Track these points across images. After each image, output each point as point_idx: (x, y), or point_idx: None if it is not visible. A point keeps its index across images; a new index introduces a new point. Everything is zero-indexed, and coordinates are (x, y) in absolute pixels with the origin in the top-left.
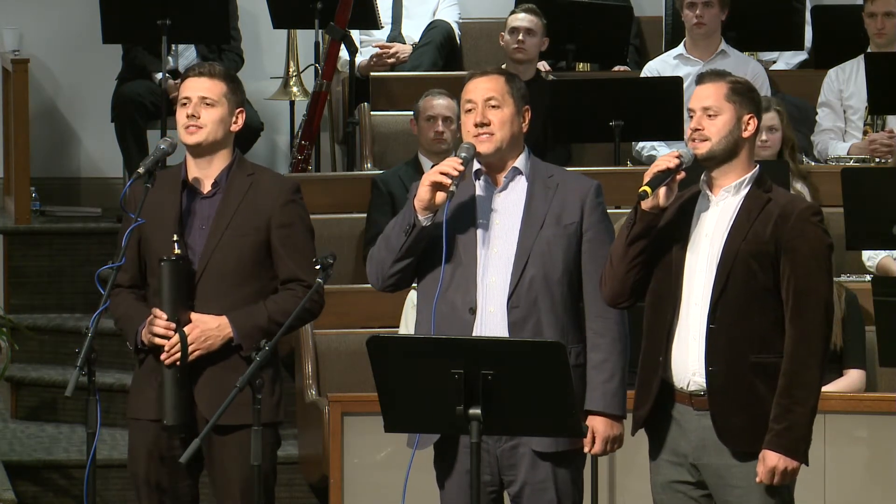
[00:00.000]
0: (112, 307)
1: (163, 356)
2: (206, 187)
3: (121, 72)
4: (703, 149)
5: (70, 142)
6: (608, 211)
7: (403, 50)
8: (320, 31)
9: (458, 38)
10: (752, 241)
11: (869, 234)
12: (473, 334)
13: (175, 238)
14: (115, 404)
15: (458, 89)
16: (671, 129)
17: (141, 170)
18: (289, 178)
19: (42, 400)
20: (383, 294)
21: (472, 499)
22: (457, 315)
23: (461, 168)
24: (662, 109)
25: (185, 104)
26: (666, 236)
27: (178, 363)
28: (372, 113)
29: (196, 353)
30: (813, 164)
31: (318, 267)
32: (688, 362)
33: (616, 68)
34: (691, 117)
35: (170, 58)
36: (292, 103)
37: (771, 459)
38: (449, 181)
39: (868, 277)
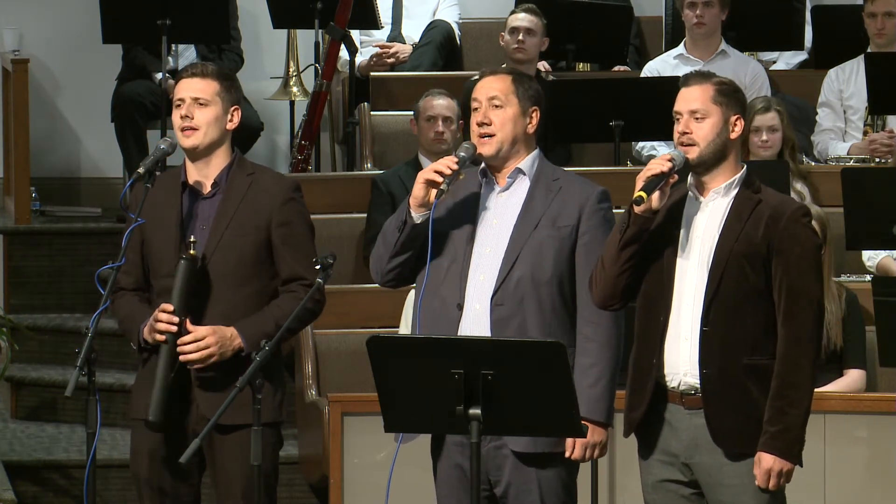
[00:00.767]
0: (115, 309)
1: (182, 358)
2: (206, 188)
3: (121, 72)
4: (692, 154)
5: (70, 142)
6: (612, 210)
7: (403, 50)
8: (320, 31)
9: (458, 38)
10: (743, 242)
11: (869, 234)
12: (459, 331)
13: (193, 239)
14: (115, 404)
15: (458, 89)
16: (671, 130)
17: (141, 170)
18: (289, 177)
19: (42, 400)
20: (383, 294)
21: (473, 498)
22: (444, 311)
23: (455, 167)
24: (662, 109)
25: (179, 105)
26: (656, 239)
27: (176, 362)
28: (372, 113)
29: (210, 360)
30: (813, 164)
31: (318, 267)
32: (679, 363)
33: (616, 68)
34: (677, 120)
35: (170, 58)
36: (292, 103)
37: (766, 461)
38: (441, 179)
39: (868, 277)
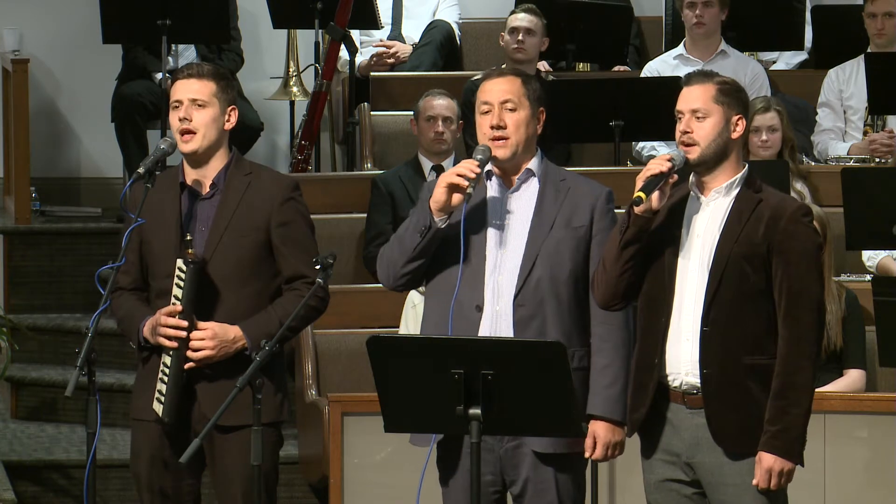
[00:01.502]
0: (114, 308)
1: (193, 359)
2: (205, 188)
3: (121, 72)
4: (693, 153)
5: (70, 142)
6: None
7: (403, 50)
8: (320, 31)
9: (458, 38)
10: (743, 243)
11: (869, 234)
12: (480, 332)
13: (188, 237)
14: (115, 404)
15: (458, 89)
16: (671, 130)
17: (141, 170)
18: (287, 176)
19: (42, 400)
20: (383, 294)
21: (473, 498)
22: (463, 313)
23: (478, 170)
24: (662, 109)
25: (176, 107)
26: (657, 239)
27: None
28: (372, 113)
29: (214, 359)
30: (813, 164)
31: (318, 267)
32: (681, 363)
33: (616, 68)
34: (679, 119)
35: (169, 58)
36: (292, 103)
37: (767, 461)
38: (466, 183)
39: (868, 277)
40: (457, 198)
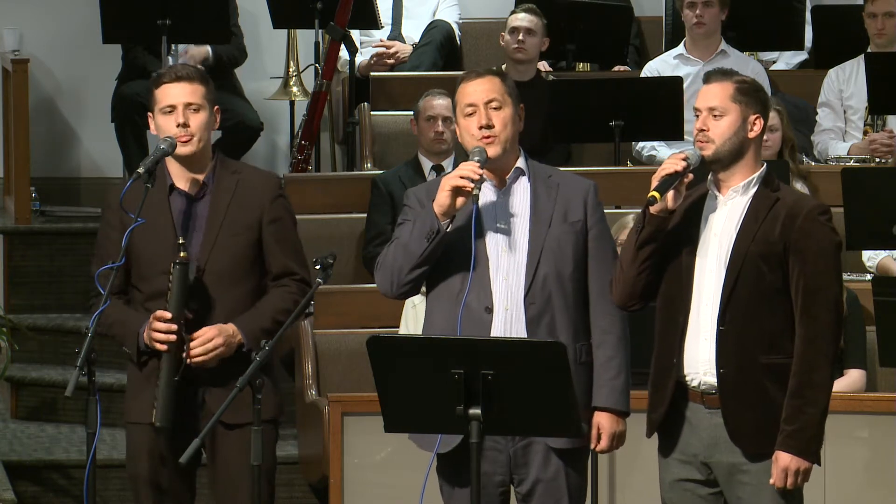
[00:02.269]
0: (101, 313)
1: (194, 358)
2: (194, 189)
3: (121, 72)
4: (708, 150)
5: (70, 142)
6: (607, 210)
7: (403, 50)
8: (320, 31)
9: (458, 39)
10: (760, 242)
11: (869, 234)
12: (492, 333)
13: (181, 241)
14: (115, 404)
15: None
16: (671, 129)
17: (141, 170)
18: (273, 174)
19: (42, 400)
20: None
21: (473, 498)
22: (472, 315)
23: (480, 171)
24: (662, 109)
25: (169, 112)
26: (675, 238)
27: (181, 366)
28: (372, 113)
29: (225, 354)
30: (813, 164)
31: (318, 267)
32: (699, 362)
33: (616, 68)
34: (697, 117)
35: (169, 58)
36: (292, 103)
37: (783, 460)
38: (471, 185)
39: (868, 277)
40: (460, 201)
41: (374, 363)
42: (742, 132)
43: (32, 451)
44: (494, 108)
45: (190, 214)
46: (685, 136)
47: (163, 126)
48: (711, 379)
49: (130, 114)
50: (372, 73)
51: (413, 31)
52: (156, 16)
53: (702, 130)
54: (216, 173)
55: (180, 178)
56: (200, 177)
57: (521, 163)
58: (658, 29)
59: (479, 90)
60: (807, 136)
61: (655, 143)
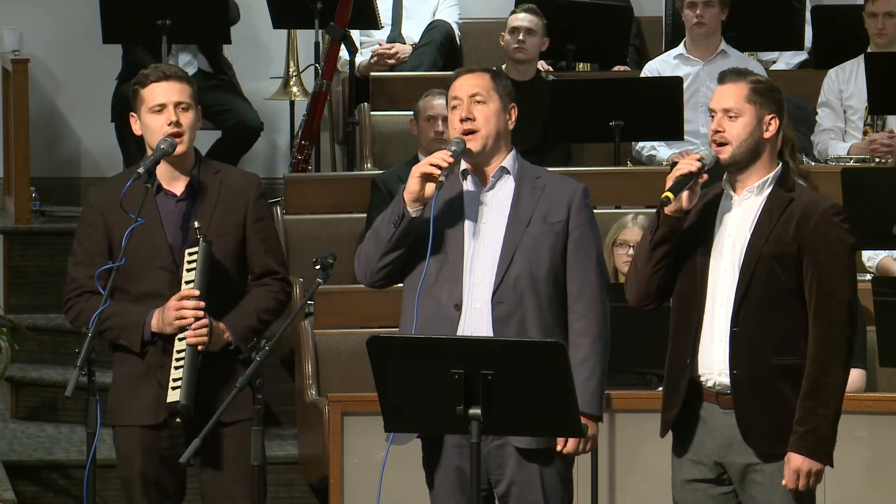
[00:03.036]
0: (88, 310)
1: (189, 337)
2: (179, 189)
3: (121, 72)
4: (725, 153)
5: (70, 142)
6: (607, 210)
7: (404, 50)
8: (320, 31)
9: (458, 39)
10: (774, 242)
11: (869, 234)
12: (458, 331)
13: (197, 225)
14: None
15: None
16: (671, 129)
17: (141, 170)
18: (253, 174)
19: (42, 400)
20: (383, 294)
21: (473, 499)
22: (442, 311)
23: (451, 160)
24: (662, 109)
25: (159, 111)
26: (690, 238)
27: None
28: (372, 113)
29: (209, 348)
30: (813, 164)
31: (318, 267)
32: (713, 362)
33: (616, 68)
34: (712, 117)
35: (170, 58)
36: (292, 103)
37: (795, 462)
38: (438, 172)
39: (868, 277)
40: (430, 188)
41: (374, 363)
42: (757, 133)
43: (32, 451)
44: (477, 102)
45: (177, 214)
46: (685, 137)
47: (151, 126)
48: (725, 379)
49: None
50: (372, 73)
51: (413, 31)
52: (156, 16)
53: (717, 132)
54: (200, 173)
55: (167, 179)
56: (185, 177)
57: (507, 162)
58: (658, 29)
59: (464, 84)
60: (807, 136)
61: (655, 143)
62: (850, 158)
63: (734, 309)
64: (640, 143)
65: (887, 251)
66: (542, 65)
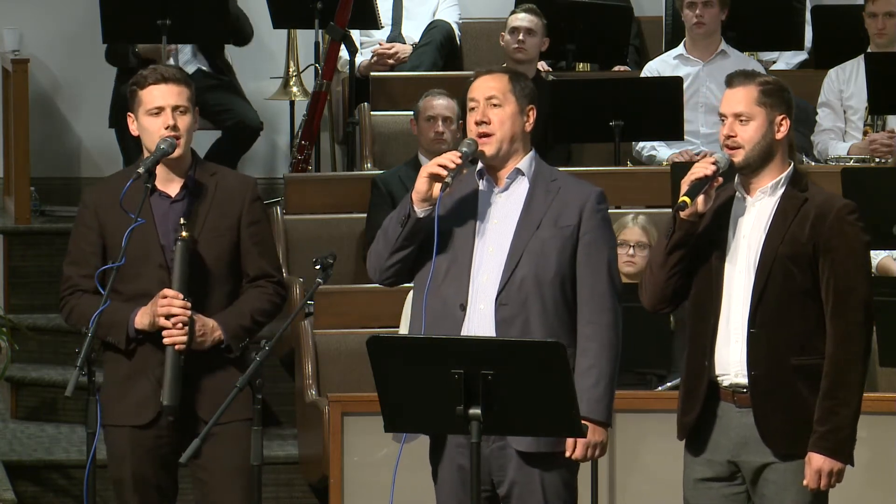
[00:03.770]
0: (80, 307)
1: (167, 338)
2: (174, 191)
3: (119, 72)
4: (738, 157)
5: (70, 142)
6: (608, 211)
7: (404, 50)
8: (320, 31)
9: (458, 39)
10: (789, 243)
11: (869, 234)
12: (462, 331)
13: (183, 222)
14: None
15: (458, 89)
16: (671, 129)
17: (140, 170)
18: (250, 177)
19: (42, 400)
20: (383, 294)
21: (473, 499)
22: (447, 311)
23: (459, 161)
24: (662, 109)
25: (157, 114)
26: (704, 241)
27: (183, 345)
28: (372, 113)
29: (197, 343)
30: (813, 164)
31: (318, 267)
32: (730, 364)
33: (616, 68)
34: (723, 122)
35: (170, 57)
36: (292, 103)
37: (816, 462)
38: (445, 172)
39: None
40: (437, 188)
41: (374, 363)
42: (770, 135)
43: (32, 451)
44: (493, 105)
45: (171, 216)
46: (685, 137)
47: (148, 128)
48: (743, 380)
49: None
50: (372, 73)
51: (413, 31)
52: (156, 16)
53: (730, 136)
54: (196, 175)
55: (161, 180)
56: (181, 179)
57: (523, 164)
58: (658, 29)
59: (482, 86)
60: (807, 136)
61: (655, 143)
62: (850, 158)
63: (751, 310)
64: (640, 143)
65: (887, 251)
66: (542, 65)
